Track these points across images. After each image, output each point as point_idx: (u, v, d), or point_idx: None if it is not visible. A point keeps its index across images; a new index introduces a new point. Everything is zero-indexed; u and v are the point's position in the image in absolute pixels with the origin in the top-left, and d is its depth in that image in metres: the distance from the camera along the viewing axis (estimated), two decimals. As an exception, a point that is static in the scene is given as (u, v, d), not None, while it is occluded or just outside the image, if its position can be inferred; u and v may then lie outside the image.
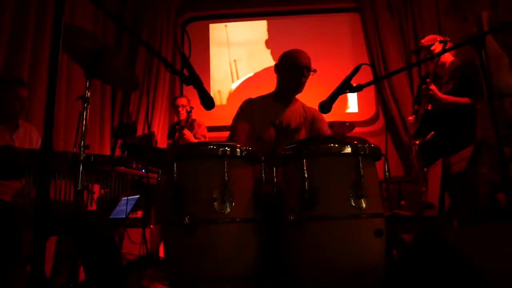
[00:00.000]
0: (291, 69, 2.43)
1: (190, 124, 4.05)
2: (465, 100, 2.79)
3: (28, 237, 1.92)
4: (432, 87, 2.80)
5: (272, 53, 5.41)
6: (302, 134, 2.46)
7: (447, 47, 2.71)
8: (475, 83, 2.79)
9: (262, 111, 2.46)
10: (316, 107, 1.91)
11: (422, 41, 3.08)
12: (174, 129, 4.29)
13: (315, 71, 2.45)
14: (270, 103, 2.51)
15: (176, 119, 4.49)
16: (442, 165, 2.26)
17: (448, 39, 2.83)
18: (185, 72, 1.67)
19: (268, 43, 5.45)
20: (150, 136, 4.81)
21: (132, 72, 2.25)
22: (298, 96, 2.56)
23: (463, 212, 2.30)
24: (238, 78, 5.42)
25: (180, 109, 4.22)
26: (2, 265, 1.87)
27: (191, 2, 5.49)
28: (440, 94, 2.81)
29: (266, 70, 5.27)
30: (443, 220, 2.21)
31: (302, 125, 2.48)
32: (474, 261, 1.00)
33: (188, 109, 3.97)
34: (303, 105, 2.58)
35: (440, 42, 2.86)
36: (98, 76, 2.00)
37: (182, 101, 4.27)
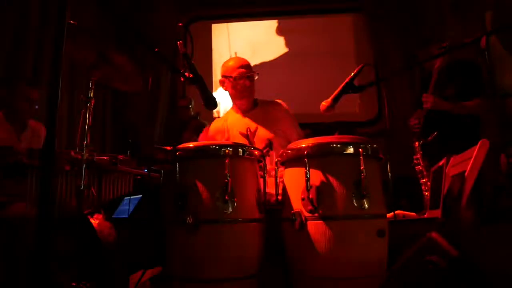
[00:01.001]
0: (228, 81, 2.46)
1: (200, 128, 4.00)
2: (471, 103, 2.77)
3: (30, 237, 1.92)
4: (442, 106, 2.78)
5: (274, 53, 5.40)
6: (274, 130, 2.43)
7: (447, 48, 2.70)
8: (476, 82, 2.78)
9: (227, 129, 2.47)
10: (318, 108, 1.91)
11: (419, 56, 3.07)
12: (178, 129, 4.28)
13: (257, 74, 2.47)
14: (234, 118, 2.52)
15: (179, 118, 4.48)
16: (445, 166, 2.25)
17: (446, 45, 2.80)
18: (188, 72, 1.67)
19: (271, 43, 5.44)
20: (152, 136, 4.81)
21: (135, 71, 2.25)
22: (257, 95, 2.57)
23: (466, 213, 2.29)
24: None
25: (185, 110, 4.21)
26: (6, 264, 1.88)
27: (194, 2, 5.49)
28: (446, 107, 2.79)
29: (268, 66, 5.27)
30: (446, 221, 2.20)
31: (271, 123, 2.45)
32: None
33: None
34: (262, 102, 2.56)
35: (438, 48, 2.84)
36: (101, 76, 2.01)
37: (183, 102, 4.26)
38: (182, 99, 4.33)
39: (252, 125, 2.43)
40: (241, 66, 2.46)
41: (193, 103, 4.22)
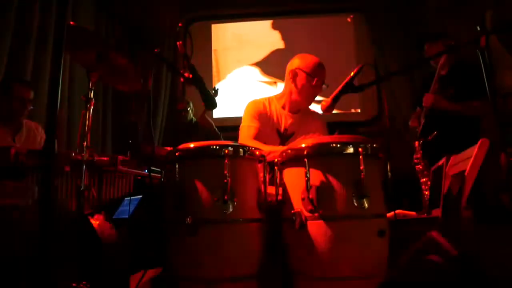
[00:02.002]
0: (313, 84, 2.33)
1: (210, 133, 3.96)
2: (470, 104, 2.77)
3: (29, 238, 1.92)
4: (442, 104, 2.78)
5: (275, 52, 5.40)
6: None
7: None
8: (477, 84, 2.77)
9: (268, 116, 2.41)
10: (319, 107, 1.91)
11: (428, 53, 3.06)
12: (179, 129, 4.29)
13: (327, 86, 2.35)
14: (276, 109, 2.45)
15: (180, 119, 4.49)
16: (445, 165, 2.25)
17: (453, 43, 2.80)
18: (188, 73, 1.67)
19: (271, 43, 5.44)
20: (152, 136, 4.81)
21: (135, 72, 2.26)
22: None
23: (466, 213, 2.29)
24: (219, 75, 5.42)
25: (183, 113, 4.20)
26: (7, 266, 1.88)
27: (194, 3, 5.49)
28: (447, 106, 2.79)
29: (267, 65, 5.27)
30: (446, 221, 2.20)
31: (309, 132, 2.40)
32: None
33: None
34: (311, 113, 2.51)
35: (445, 45, 2.84)
36: (101, 77, 2.01)
37: (182, 105, 4.26)
38: (181, 102, 4.33)
39: (292, 129, 2.38)
40: (323, 72, 2.37)
41: (191, 105, 4.22)
